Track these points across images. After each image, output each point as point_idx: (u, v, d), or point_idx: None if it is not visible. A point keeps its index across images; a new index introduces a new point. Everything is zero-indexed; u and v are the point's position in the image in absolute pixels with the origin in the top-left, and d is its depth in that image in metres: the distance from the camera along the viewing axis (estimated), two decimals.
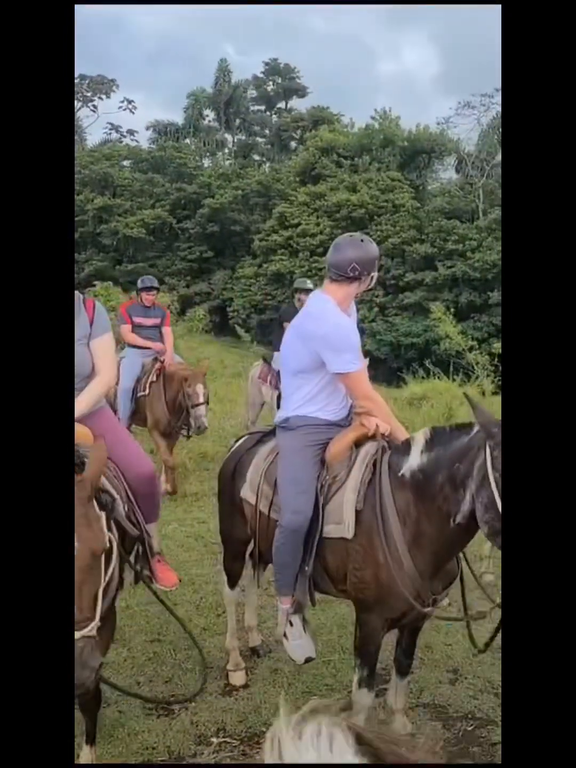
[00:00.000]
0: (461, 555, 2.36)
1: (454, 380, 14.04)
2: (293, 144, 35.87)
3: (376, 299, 22.30)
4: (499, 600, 2.11)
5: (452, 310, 18.63)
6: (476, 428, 2.10)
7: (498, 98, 23.24)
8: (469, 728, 2.66)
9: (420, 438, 2.25)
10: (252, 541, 2.76)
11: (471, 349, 16.39)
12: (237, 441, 3.04)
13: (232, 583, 3.04)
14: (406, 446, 2.29)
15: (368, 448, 2.38)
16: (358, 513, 2.26)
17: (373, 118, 27.85)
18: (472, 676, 3.02)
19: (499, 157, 24.34)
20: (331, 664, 3.10)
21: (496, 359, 15.43)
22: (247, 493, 2.68)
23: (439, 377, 13.81)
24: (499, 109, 23.98)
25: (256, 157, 37.11)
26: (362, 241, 2.47)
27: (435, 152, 26.16)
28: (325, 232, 22.75)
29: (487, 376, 14.17)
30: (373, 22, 71.61)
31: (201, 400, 5.28)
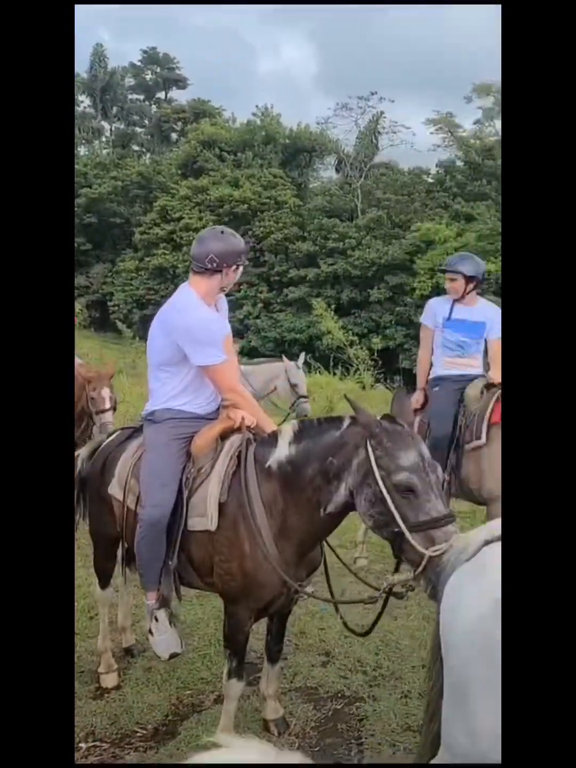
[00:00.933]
0: (324, 542, 2.44)
1: (334, 374, 14.50)
2: (174, 136, 35.28)
3: (261, 295, 22.49)
4: (379, 585, 2.20)
5: (334, 306, 19.20)
6: (346, 422, 2.18)
7: (374, 101, 24.11)
8: (339, 706, 2.76)
9: (288, 430, 2.29)
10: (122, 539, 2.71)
11: (352, 344, 17.01)
12: (108, 437, 2.97)
13: (104, 583, 2.96)
14: (273, 438, 2.32)
15: (233, 441, 2.39)
16: (222, 505, 2.27)
17: (254, 114, 28.00)
18: (343, 657, 3.14)
19: (376, 159, 25.28)
20: (207, 658, 3.10)
21: (375, 354, 16.12)
22: (115, 489, 2.62)
23: (320, 372, 14.19)
24: (376, 111, 24.89)
25: (136, 148, 36.14)
26: (223, 233, 2.49)
27: (315, 151, 26.73)
28: (208, 227, 22.59)
29: (367, 370, 14.76)
30: (252, 18, 71.81)
31: (107, 405, 4.68)
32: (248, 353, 18.20)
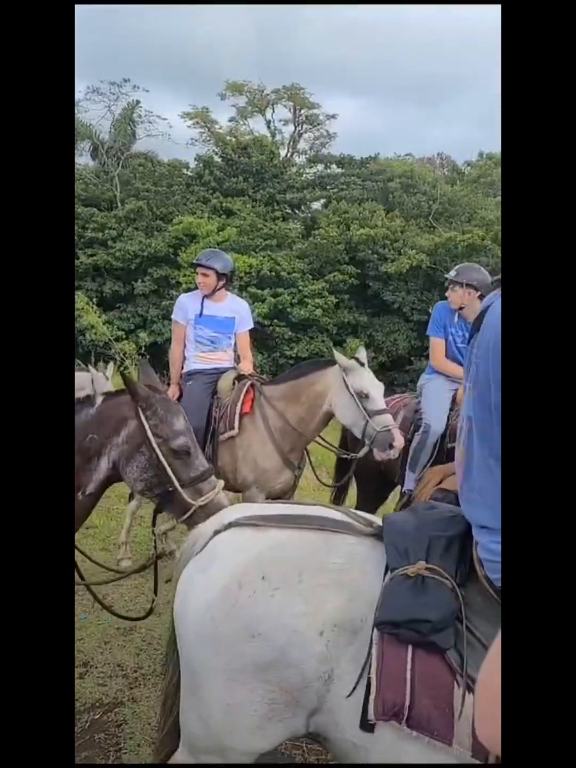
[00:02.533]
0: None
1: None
2: None
3: None
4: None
5: (96, 299, 18.42)
6: (100, 399, 2.20)
7: (127, 88, 23.49)
8: (97, 716, 2.69)
9: None
10: None
11: (118, 339, 16.50)
12: None
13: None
14: None
15: None
16: None
17: None
18: (103, 664, 3.05)
19: (134, 148, 24.70)
20: None
21: (143, 349, 15.86)
22: None
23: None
24: (131, 99, 24.28)
25: None
26: None
27: None
28: None
29: (135, 365, 14.47)
30: None
31: None
32: None
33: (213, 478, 2.32)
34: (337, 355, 3.65)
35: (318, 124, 22.69)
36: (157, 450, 2.17)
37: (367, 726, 1.36)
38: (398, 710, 1.32)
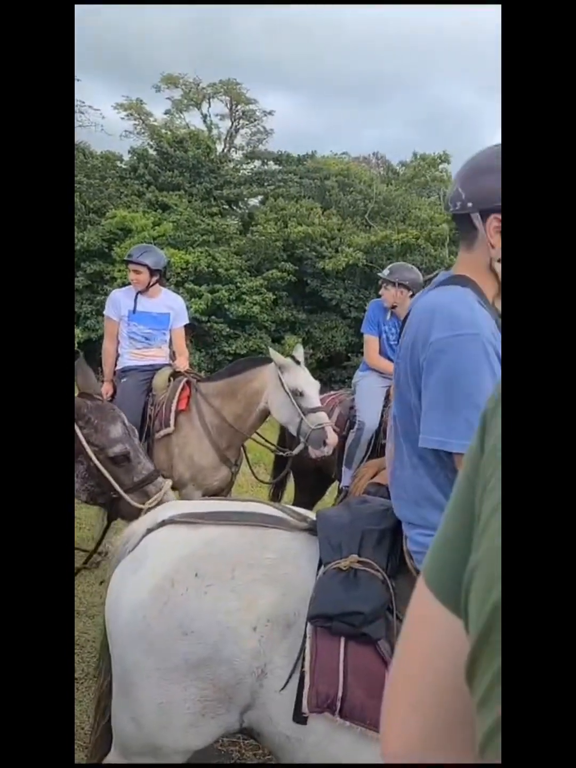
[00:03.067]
0: None
1: None
2: None
3: None
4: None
5: None
6: None
7: None
8: None
9: None
10: None
11: None
12: None
13: None
14: None
15: None
16: None
17: None
18: None
19: None
20: None
21: (77, 346, 15.44)
22: None
23: None
24: None
25: None
26: None
27: None
28: None
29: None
30: None
31: None
32: None
33: (160, 479, 2.30)
34: (273, 353, 3.66)
35: (255, 120, 22.64)
36: (94, 459, 2.14)
37: (300, 719, 1.37)
38: (331, 702, 1.34)
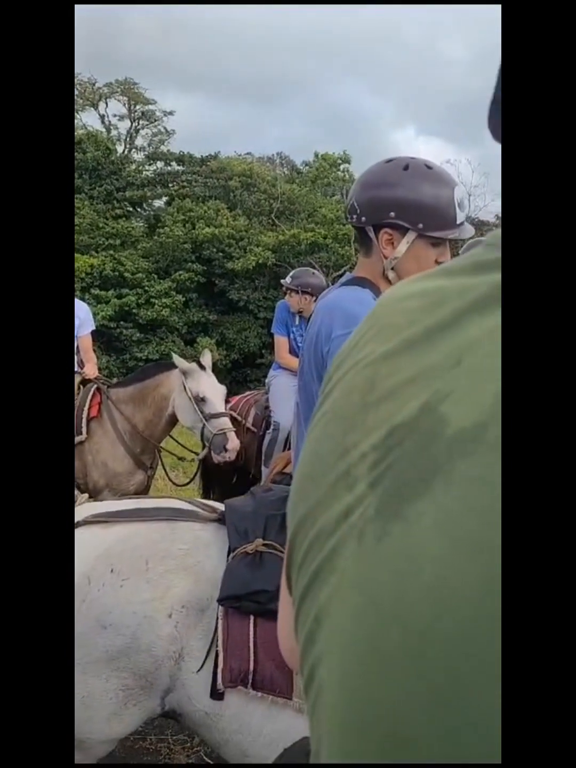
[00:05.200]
0: None
1: None
2: None
3: None
4: None
5: None
6: None
7: None
8: None
9: None
10: None
11: None
12: None
13: None
14: None
15: None
16: None
17: None
18: None
19: None
20: None
21: None
22: None
23: None
24: None
25: None
26: None
27: None
28: None
29: None
30: None
31: None
32: None
33: (75, 492, 2.32)
34: (176, 359, 3.70)
35: (155, 121, 22.35)
36: None
37: (216, 695, 1.48)
38: (244, 675, 1.45)
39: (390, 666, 0.33)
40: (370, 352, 0.44)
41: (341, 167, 19.30)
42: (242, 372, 16.33)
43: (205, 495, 4.49)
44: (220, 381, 3.85)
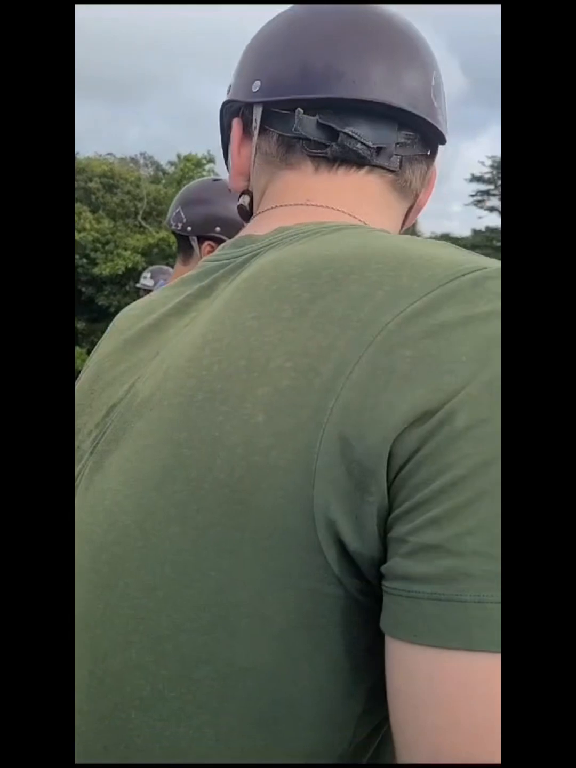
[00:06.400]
0: None
1: None
2: None
3: None
4: None
5: None
6: None
7: None
8: None
9: None
10: None
11: None
12: None
13: None
14: None
15: None
16: None
17: None
18: None
19: None
20: None
21: None
22: None
23: None
24: None
25: None
26: None
27: None
28: None
29: None
30: None
31: None
32: None
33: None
34: None
35: None
36: None
37: None
38: None
39: (81, 576, 0.50)
40: (102, 351, 0.60)
41: (206, 167, 19.15)
42: None
43: None
44: None
